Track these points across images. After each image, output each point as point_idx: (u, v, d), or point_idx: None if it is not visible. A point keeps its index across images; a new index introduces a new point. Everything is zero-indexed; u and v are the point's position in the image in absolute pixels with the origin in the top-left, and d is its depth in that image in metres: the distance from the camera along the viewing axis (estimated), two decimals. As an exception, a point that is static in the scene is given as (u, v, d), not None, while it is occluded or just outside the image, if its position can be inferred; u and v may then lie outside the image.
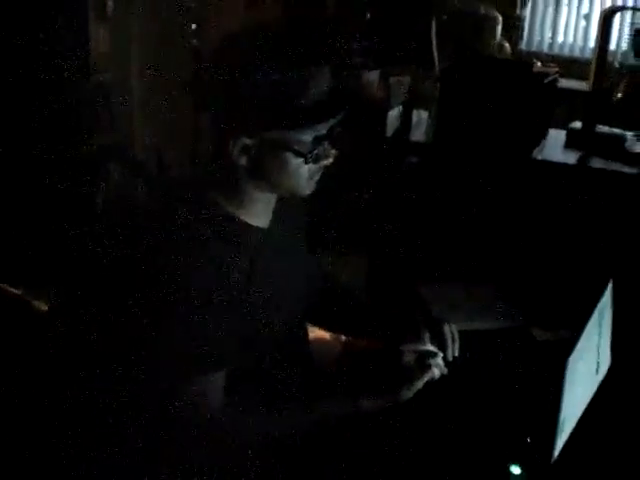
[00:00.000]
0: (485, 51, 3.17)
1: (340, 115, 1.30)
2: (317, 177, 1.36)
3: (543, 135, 2.76)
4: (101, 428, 1.34)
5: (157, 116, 2.90)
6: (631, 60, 3.26)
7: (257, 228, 1.38)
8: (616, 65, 3.25)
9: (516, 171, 2.49)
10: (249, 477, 1.34)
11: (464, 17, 3.19)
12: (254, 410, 1.35)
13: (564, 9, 4.40)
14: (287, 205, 1.46)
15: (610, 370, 1.12)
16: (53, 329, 1.40)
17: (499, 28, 3.30)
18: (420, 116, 2.99)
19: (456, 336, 1.54)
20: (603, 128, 2.85)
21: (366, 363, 1.58)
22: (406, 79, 3.12)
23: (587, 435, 1.16)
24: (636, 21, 4.09)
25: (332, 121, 1.30)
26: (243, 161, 1.29)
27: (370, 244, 1.98)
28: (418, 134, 2.86)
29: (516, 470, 1.28)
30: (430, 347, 1.47)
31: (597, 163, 2.69)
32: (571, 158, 2.72)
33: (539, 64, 2.93)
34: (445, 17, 3.14)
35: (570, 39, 4.42)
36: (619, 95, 2.79)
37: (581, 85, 3.25)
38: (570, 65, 3.79)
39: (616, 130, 2.88)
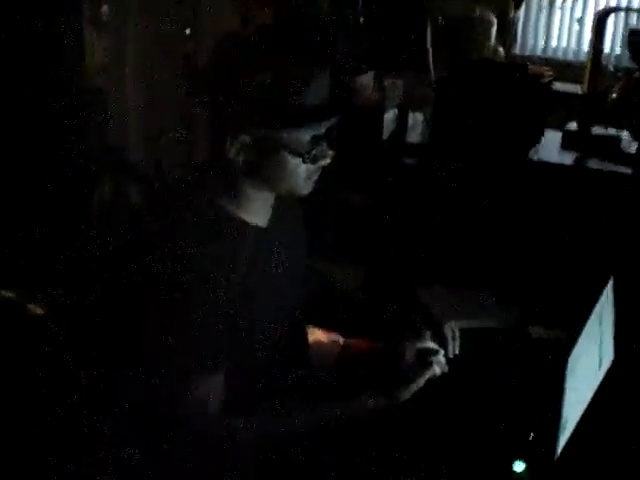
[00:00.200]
0: (480, 54, 3.19)
1: (337, 116, 1.30)
2: (315, 177, 1.35)
3: (539, 136, 2.77)
4: (97, 428, 1.33)
5: (154, 118, 2.89)
6: (625, 62, 3.27)
7: (256, 227, 1.38)
8: (610, 68, 3.26)
9: (514, 172, 2.50)
10: (248, 478, 1.33)
11: (459, 20, 3.20)
12: (253, 411, 1.35)
13: (557, 12, 4.42)
14: (286, 205, 1.46)
15: (613, 365, 1.11)
16: (47, 328, 1.39)
17: (494, 31, 3.32)
18: (416, 118, 3.01)
19: (457, 334, 1.54)
20: (598, 129, 2.88)
21: (367, 362, 1.58)
22: (401, 82, 3.13)
23: (591, 431, 1.16)
24: (630, 21, 4.13)
25: (330, 121, 1.30)
26: (241, 160, 1.29)
27: (368, 245, 1.98)
28: (414, 136, 2.88)
29: (520, 467, 1.28)
30: (431, 345, 1.47)
31: (593, 164, 2.72)
32: (567, 159, 2.75)
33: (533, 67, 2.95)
34: (441, 20, 3.15)
35: (564, 43, 4.43)
36: (614, 97, 2.80)
37: (575, 88, 3.26)
38: (564, 69, 3.79)
39: (611, 131, 2.91)
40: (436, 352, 1.45)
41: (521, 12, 4.17)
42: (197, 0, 3.34)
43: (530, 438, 1.35)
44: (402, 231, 2.22)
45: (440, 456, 1.33)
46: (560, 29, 4.46)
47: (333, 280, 1.72)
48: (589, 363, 1.32)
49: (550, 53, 4.49)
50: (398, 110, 2.92)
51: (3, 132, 2.55)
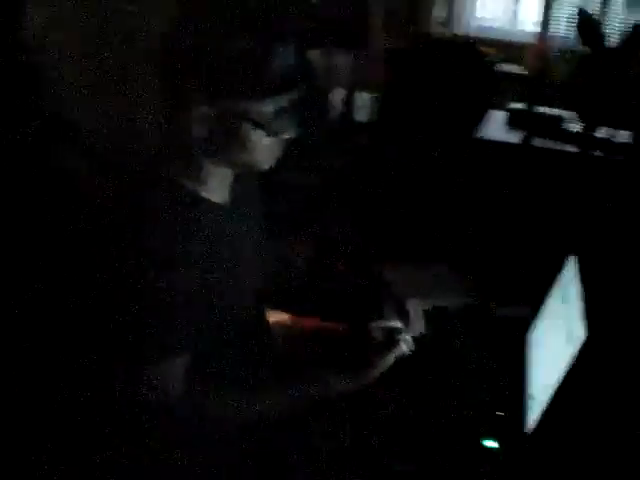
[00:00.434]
0: (422, 32, 3.20)
1: (300, 89, 1.27)
2: (276, 152, 1.32)
3: (484, 113, 2.81)
4: (62, 413, 1.28)
5: (109, 90, 2.76)
6: (571, 43, 3.33)
7: (218, 205, 1.34)
8: (555, 48, 3.32)
9: (462, 149, 2.52)
10: (218, 463, 1.31)
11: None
12: (219, 395, 1.32)
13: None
14: (243, 182, 1.42)
15: (587, 342, 1.13)
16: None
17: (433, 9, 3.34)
18: (363, 97, 2.99)
19: (420, 313, 1.54)
20: (543, 108, 2.93)
21: (334, 343, 1.57)
22: (347, 60, 3.11)
23: (566, 406, 1.17)
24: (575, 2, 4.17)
25: (292, 94, 1.27)
26: (201, 132, 1.24)
27: (326, 225, 1.97)
28: (362, 114, 2.86)
29: (492, 444, 1.28)
30: (397, 323, 1.47)
31: (537, 142, 2.77)
32: (513, 137, 2.79)
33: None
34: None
35: (500, 22, 4.46)
36: (558, 77, 2.86)
37: (519, 69, 3.31)
38: (505, 49, 3.83)
39: (555, 110, 2.97)
40: (402, 331, 1.45)
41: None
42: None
43: (499, 415, 1.36)
44: (358, 210, 2.21)
45: (412, 437, 1.33)
46: (496, 8, 4.48)
47: (292, 260, 1.69)
48: (555, 340, 1.34)
49: (489, 32, 4.52)
50: (345, 89, 2.89)
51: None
